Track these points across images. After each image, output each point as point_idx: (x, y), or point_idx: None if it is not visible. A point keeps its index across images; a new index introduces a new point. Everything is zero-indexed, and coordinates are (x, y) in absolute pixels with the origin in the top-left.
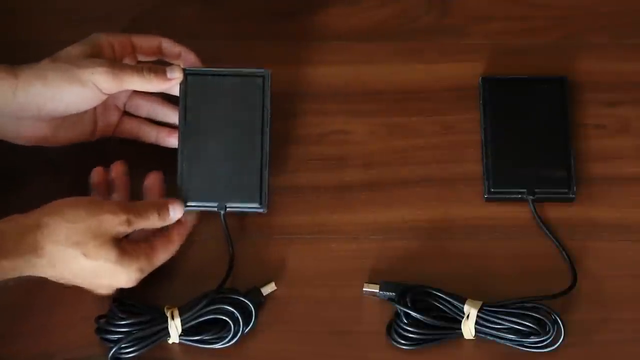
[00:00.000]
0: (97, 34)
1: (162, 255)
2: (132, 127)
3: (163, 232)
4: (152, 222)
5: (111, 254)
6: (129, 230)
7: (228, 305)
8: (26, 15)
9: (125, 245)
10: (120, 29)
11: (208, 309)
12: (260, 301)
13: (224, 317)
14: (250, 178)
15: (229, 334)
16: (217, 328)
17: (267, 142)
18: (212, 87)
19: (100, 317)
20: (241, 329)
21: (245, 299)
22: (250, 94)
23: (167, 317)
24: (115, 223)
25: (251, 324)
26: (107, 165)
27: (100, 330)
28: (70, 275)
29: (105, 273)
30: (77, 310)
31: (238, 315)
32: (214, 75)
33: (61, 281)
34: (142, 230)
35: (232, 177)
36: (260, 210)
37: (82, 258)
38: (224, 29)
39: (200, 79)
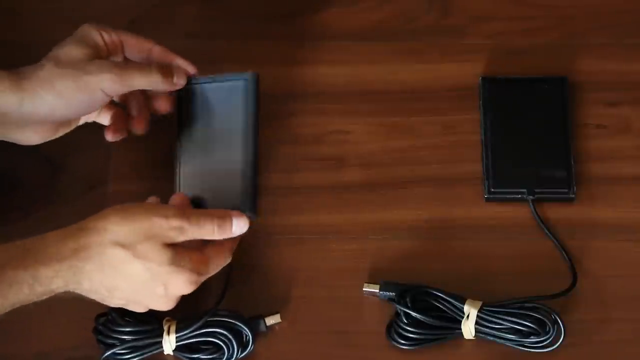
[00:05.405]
0: (89, 30)
1: (216, 256)
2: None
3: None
4: (208, 233)
5: (164, 255)
6: (181, 238)
7: (226, 330)
8: (26, 15)
9: (178, 248)
10: (120, 29)
11: (204, 330)
12: (261, 330)
13: (219, 342)
14: (240, 185)
15: (222, 358)
16: (213, 348)
17: (252, 147)
18: (203, 95)
19: (100, 315)
20: (235, 355)
21: (245, 326)
22: (235, 99)
23: (163, 331)
24: (166, 228)
25: (247, 350)
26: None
27: (97, 332)
28: (122, 283)
29: (160, 277)
30: (77, 310)
31: (234, 342)
32: (204, 83)
33: (112, 296)
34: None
35: (224, 186)
36: (252, 218)
37: (134, 260)
38: (224, 28)
39: (193, 88)
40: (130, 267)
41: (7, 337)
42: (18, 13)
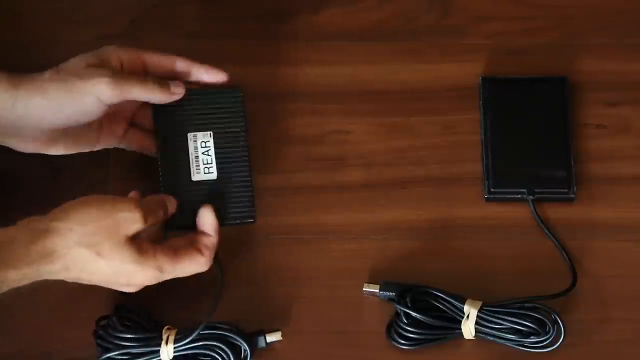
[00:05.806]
0: (108, 47)
1: (188, 262)
2: (136, 140)
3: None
4: (161, 216)
5: (128, 253)
6: (144, 226)
7: (224, 345)
8: (26, 15)
9: (143, 244)
10: (119, 29)
11: (201, 343)
12: (260, 346)
13: (217, 356)
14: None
15: None
16: (211, 359)
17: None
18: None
19: (101, 317)
20: None
21: (244, 341)
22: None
23: (162, 341)
24: (131, 221)
25: None
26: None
27: (97, 335)
28: (87, 276)
29: (123, 273)
30: (78, 310)
31: (232, 357)
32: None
33: (78, 282)
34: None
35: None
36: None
37: (98, 259)
38: (224, 28)
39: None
40: (94, 265)
41: (7, 337)
42: (18, 13)
